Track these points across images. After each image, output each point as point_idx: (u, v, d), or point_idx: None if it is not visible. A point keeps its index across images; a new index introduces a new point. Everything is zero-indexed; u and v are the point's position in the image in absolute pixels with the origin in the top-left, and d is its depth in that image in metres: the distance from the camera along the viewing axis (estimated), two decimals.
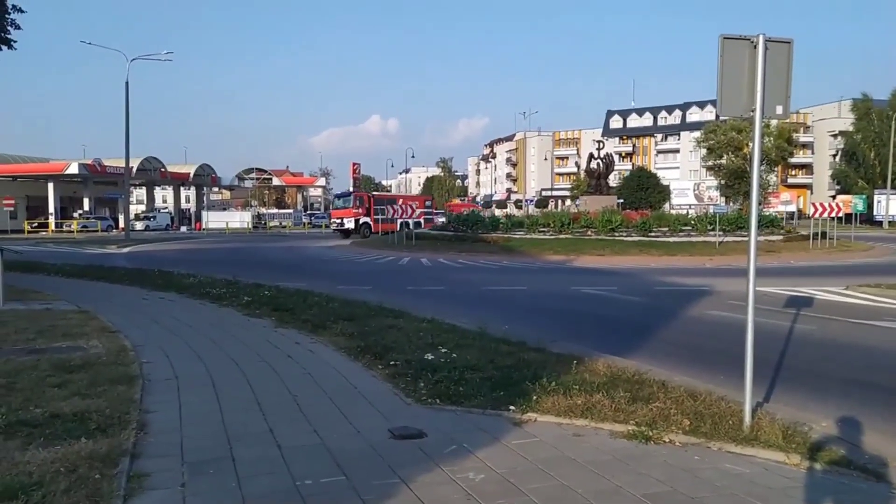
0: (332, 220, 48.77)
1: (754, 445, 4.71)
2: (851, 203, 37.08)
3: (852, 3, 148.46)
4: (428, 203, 55.24)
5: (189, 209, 78.14)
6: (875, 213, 56.43)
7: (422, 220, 45.66)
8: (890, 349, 8.91)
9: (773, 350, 8.33)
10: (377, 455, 4.47)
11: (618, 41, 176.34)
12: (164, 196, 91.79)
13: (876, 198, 57.38)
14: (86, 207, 61.92)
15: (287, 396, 5.85)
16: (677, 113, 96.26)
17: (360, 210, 45.10)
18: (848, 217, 37.68)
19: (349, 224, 44.69)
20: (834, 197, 55.50)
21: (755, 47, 5.05)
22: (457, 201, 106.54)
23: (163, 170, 66.62)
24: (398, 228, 35.81)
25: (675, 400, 5.61)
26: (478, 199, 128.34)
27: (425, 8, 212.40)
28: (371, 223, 45.22)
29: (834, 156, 77.82)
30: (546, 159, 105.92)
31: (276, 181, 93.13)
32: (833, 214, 30.38)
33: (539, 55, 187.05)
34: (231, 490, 3.88)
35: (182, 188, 77.15)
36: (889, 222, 54.69)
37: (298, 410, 5.45)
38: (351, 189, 61.27)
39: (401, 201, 39.67)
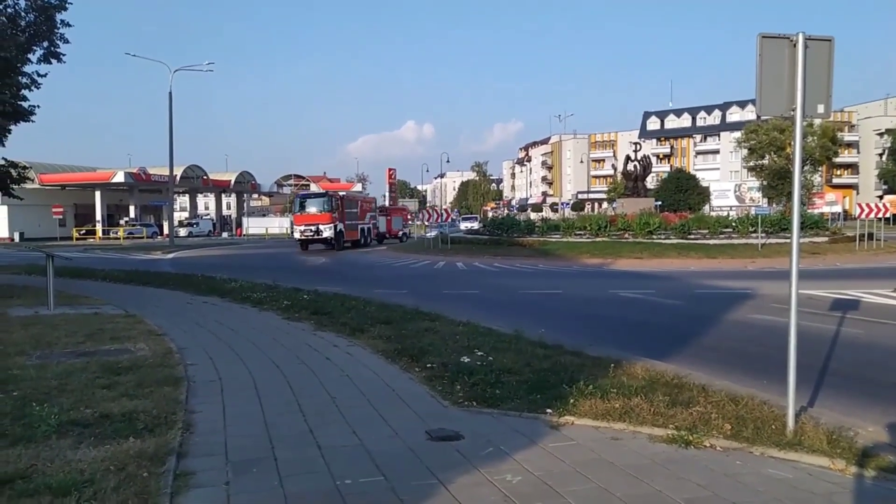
0: (299, 228, 36.61)
1: (798, 450, 4.61)
2: None
3: None
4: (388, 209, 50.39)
5: (230, 215, 79.71)
6: None
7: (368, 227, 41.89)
8: None
9: (818, 354, 8.13)
10: (415, 456, 4.52)
11: (655, 41, 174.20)
12: (206, 203, 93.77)
13: None
14: (131, 215, 63.76)
15: (326, 398, 5.95)
16: (717, 113, 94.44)
17: (337, 215, 36.85)
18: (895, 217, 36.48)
19: (328, 232, 35.65)
20: (881, 197, 53.76)
21: (794, 46, 4.98)
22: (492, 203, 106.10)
23: (205, 177, 68.18)
24: (358, 236, 39.66)
25: (715, 404, 5.53)
26: (513, 202, 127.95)
27: (459, 13, 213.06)
28: (345, 230, 38.04)
29: (880, 155, 75.41)
30: (582, 162, 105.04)
31: (313, 187, 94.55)
32: (880, 215, 29.43)
33: (574, 57, 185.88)
34: (273, 489, 3.97)
35: (223, 195, 78.77)
36: None
37: (337, 412, 5.54)
38: (386, 194, 60.12)
39: (361, 203, 40.06)
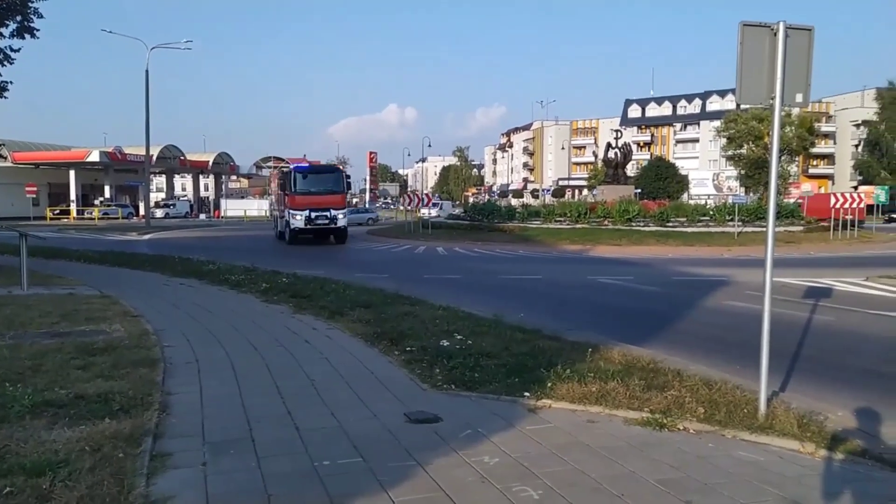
0: (302, 213, 26.40)
1: (769, 434, 4.72)
2: (873, 194, 36.46)
3: None
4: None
5: (208, 197, 78.78)
6: None
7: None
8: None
9: (790, 340, 8.28)
10: (393, 438, 4.54)
11: (637, 29, 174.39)
12: (183, 184, 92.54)
13: None
14: (107, 195, 62.65)
15: (305, 380, 5.94)
16: (697, 102, 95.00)
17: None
18: (870, 208, 37.10)
19: (342, 220, 27.16)
20: (856, 188, 54.64)
21: (775, 34, 5.00)
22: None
23: (182, 158, 67.15)
24: None
25: (689, 388, 5.62)
26: (494, 188, 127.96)
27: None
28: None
29: (856, 146, 76.53)
30: (563, 149, 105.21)
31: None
32: (855, 205, 29.93)
33: (557, 44, 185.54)
34: (251, 469, 3.97)
35: (201, 176, 77.69)
36: None
37: (316, 394, 5.53)
38: (367, 177, 56.30)
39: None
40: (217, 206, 70.07)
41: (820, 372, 7.13)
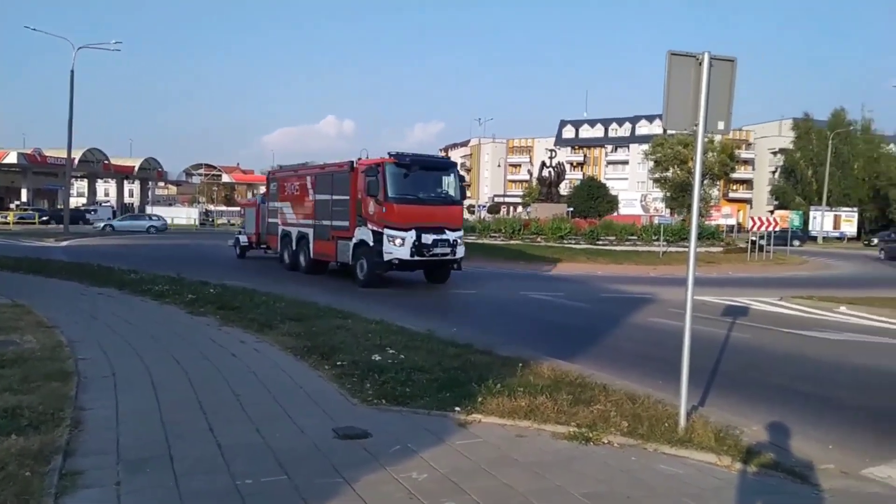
0: (404, 236, 15.71)
1: (688, 447, 4.88)
2: (788, 218, 38.60)
3: (797, 26, 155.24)
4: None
5: (132, 203, 75.76)
6: (811, 228, 58.93)
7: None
8: (818, 358, 9.33)
9: (710, 357, 8.63)
10: (321, 454, 4.45)
11: (572, 52, 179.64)
12: (106, 189, 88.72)
13: (812, 214, 59.95)
14: (24, 199, 59.33)
15: (229, 395, 5.75)
16: (627, 125, 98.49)
17: None
18: (784, 232, 39.28)
19: (461, 249, 16.83)
20: (772, 212, 57.70)
21: (700, 64, 5.24)
22: None
23: (106, 162, 64.48)
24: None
25: (615, 403, 5.77)
26: None
27: (381, 11, 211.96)
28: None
29: (773, 172, 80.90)
30: (499, 166, 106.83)
31: (225, 178, 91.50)
32: (771, 228, 31.62)
33: (495, 62, 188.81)
34: (168, 489, 3.80)
35: (126, 182, 74.87)
36: (823, 238, 57.19)
37: (241, 409, 5.37)
38: None
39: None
40: (142, 213, 67.45)
41: (737, 387, 7.44)
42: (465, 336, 8.73)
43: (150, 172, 72.08)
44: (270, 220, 22.16)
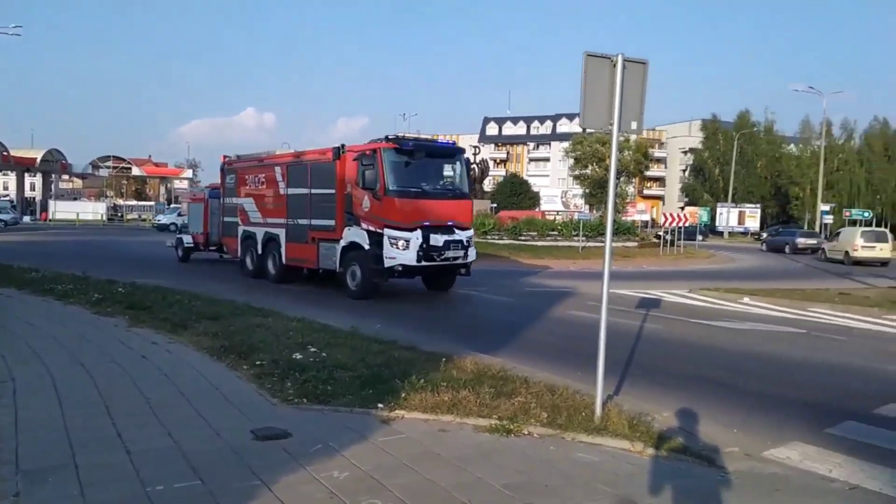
0: (412, 235, 13.20)
1: (603, 435, 5.05)
2: (697, 214, 40.65)
3: (707, 32, 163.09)
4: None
5: (34, 198, 71.14)
6: (718, 224, 62.29)
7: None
8: (725, 347, 9.86)
9: (625, 348, 8.96)
10: (238, 457, 4.32)
11: (496, 49, 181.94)
12: (5, 182, 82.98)
13: (719, 210, 63.39)
14: None
15: (139, 400, 5.50)
16: (549, 123, 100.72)
17: None
18: (694, 227, 41.34)
19: (472, 251, 14.63)
20: (683, 208, 60.57)
21: (615, 66, 5.40)
22: None
23: (5, 153, 60.14)
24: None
25: (535, 394, 5.89)
26: None
27: (304, 4, 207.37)
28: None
29: (684, 171, 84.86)
30: None
31: (136, 171, 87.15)
32: (681, 224, 33.14)
33: (420, 58, 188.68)
34: (73, 498, 3.59)
35: (27, 175, 70.09)
36: (729, 233, 60.53)
37: (151, 413, 5.14)
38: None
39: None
40: (44, 208, 63.46)
41: (650, 376, 7.75)
42: (390, 333, 8.70)
43: (53, 165, 67.77)
44: (227, 218, 18.80)
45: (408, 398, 5.60)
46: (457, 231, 13.84)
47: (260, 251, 16.84)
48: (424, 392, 5.72)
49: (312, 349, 7.34)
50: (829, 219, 48.34)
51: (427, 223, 13.31)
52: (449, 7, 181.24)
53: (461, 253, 13.81)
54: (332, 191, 14.38)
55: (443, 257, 13.49)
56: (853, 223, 54.45)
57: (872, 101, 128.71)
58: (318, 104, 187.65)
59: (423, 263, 13.31)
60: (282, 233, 15.99)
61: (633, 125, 5.67)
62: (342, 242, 14.04)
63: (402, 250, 13.06)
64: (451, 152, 14.94)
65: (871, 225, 52.53)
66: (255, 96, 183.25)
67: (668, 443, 5.01)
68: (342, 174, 14.24)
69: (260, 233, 16.88)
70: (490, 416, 5.32)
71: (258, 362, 6.76)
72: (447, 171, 14.69)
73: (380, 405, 5.48)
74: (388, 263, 13.16)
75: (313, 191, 15.03)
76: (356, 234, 13.71)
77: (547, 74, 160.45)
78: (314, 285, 16.03)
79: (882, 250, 28.00)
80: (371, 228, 13.43)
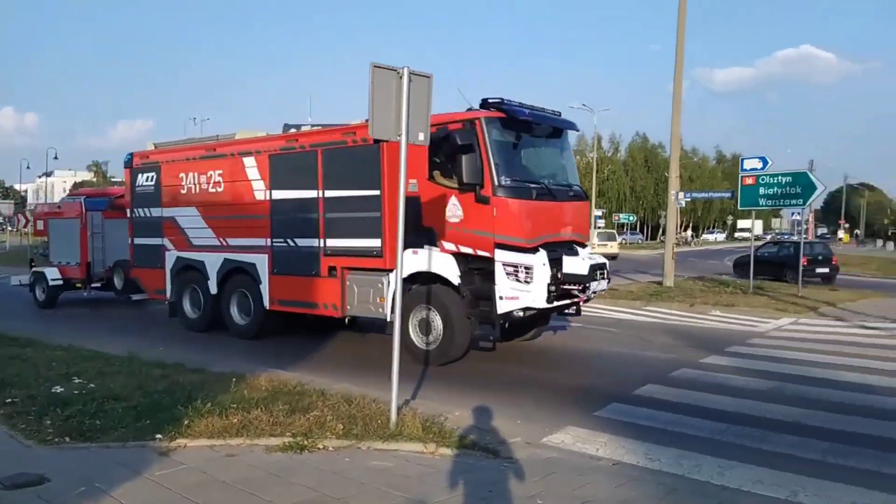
0: (528, 264, 8.12)
1: (398, 440, 5.11)
2: None
3: (501, 49, 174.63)
4: None
5: None
6: None
7: None
8: (522, 344, 10.44)
9: None
10: None
11: (295, 55, 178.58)
12: None
13: None
14: None
15: None
16: None
17: None
18: None
19: (436, 264, 8.82)
20: None
21: (401, 78, 5.51)
22: None
23: None
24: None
25: (331, 407, 5.80)
26: None
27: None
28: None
29: None
30: None
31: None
32: None
33: (216, 61, 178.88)
34: None
35: None
36: None
37: None
38: None
39: None
40: None
41: (447, 378, 8.01)
42: (176, 356, 8.06)
43: None
44: (140, 240, 12.57)
45: (191, 425, 5.21)
46: (579, 250, 9.16)
47: (215, 290, 11.22)
48: (211, 416, 5.36)
49: (78, 380, 6.57)
50: (601, 223, 54.25)
51: (549, 238, 8.75)
52: (247, 12, 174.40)
53: (605, 284, 9.56)
54: (376, 192, 9.06)
55: (588, 291, 8.90)
56: (621, 226, 61.95)
57: (634, 118, 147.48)
58: (95, 105, 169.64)
59: (555, 304, 8.68)
60: (262, 261, 10.51)
61: (421, 137, 5.82)
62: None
63: (525, 283, 8.19)
64: (566, 128, 9.96)
65: (635, 228, 59.93)
66: (15, 95, 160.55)
67: (459, 440, 5.20)
68: (393, 166, 7.56)
69: (213, 262, 11.22)
70: (283, 434, 5.13)
71: (10, 399, 5.89)
72: (560, 157, 10.04)
73: (158, 436, 5.03)
74: (504, 307, 8.29)
75: (331, 193, 9.70)
76: (434, 261, 8.80)
77: (347, 82, 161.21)
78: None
79: (611, 247, 35.19)
80: (465, 250, 8.58)
